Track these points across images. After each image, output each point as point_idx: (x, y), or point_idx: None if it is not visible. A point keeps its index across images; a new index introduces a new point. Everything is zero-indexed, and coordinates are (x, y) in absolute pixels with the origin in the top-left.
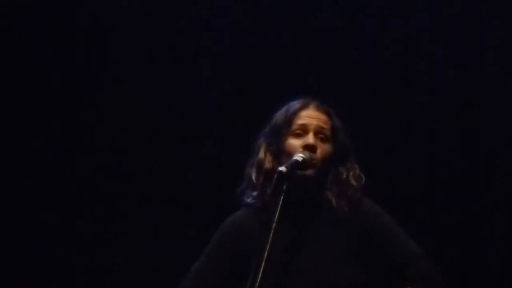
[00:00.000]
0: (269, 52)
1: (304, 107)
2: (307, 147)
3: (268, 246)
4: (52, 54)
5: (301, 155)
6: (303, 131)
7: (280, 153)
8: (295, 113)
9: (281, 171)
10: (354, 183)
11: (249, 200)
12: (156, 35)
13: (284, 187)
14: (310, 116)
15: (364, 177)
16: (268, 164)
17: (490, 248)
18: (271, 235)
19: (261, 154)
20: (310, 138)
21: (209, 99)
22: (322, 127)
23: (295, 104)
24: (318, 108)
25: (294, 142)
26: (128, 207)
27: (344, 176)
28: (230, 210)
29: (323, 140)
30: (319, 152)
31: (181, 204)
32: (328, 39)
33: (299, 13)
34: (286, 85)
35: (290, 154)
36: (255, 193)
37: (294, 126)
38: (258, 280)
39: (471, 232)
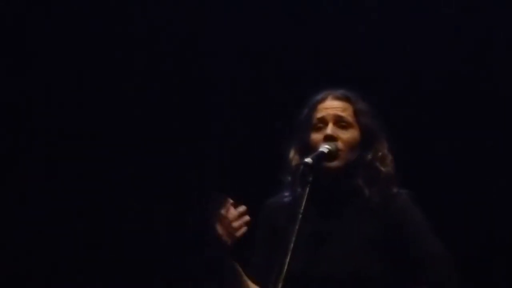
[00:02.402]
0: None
1: (322, 100)
2: (327, 138)
3: (293, 237)
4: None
5: (326, 146)
6: (323, 123)
7: (307, 150)
8: (314, 108)
9: (306, 162)
10: (382, 167)
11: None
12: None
13: (310, 178)
14: (327, 107)
15: (391, 158)
16: (295, 162)
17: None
18: (296, 226)
19: (290, 153)
20: (328, 129)
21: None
22: (340, 115)
23: (313, 99)
24: (336, 97)
25: (316, 137)
26: None
27: (371, 161)
28: None
29: (345, 127)
30: (341, 141)
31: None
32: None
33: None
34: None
35: (315, 150)
36: (287, 193)
37: (314, 121)
38: (284, 271)
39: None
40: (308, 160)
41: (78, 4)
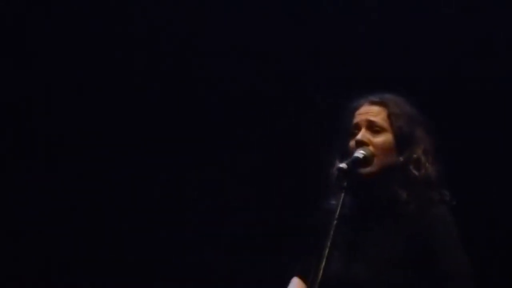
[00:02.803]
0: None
1: (358, 106)
2: (357, 144)
3: (328, 243)
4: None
5: (362, 151)
6: (358, 129)
7: (346, 157)
8: (352, 114)
9: (341, 168)
10: (416, 171)
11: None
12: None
13: (345, 184)
14: (361, 112)
15: (431, 161)
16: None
17: None
18: (331, 232)
19: (334, 160)
20: (359, 134)
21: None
22: (372, 120)
23: (352, 106)
24: (371, 102)
25: (351, 143)
26: None
27: (405, 165)
28: None
29: (377, 132)
30: (373, 146)
31: None
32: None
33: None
34: None
35: (351, 155)
36: (332, 202)
37: (351, 128)
38: (319, 276)
39: None
40: (342, 165)
41: (78, 4)
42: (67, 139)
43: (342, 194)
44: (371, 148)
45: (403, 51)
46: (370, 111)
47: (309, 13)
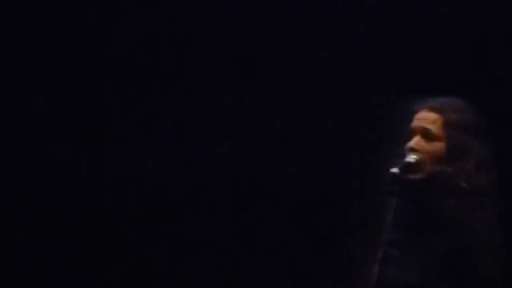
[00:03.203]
0: None
1: (417, 109)
2: (409, 150)
3: (380, 247)
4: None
5: (414, 156)
6: (413, 133)
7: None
8: (409, 117)
9: (392, 173)
10: (463, 182)
11: None
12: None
13: (395, 188)
14: (418, 118)
15: (484, 172)
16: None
17: None
18: (382, 236)
19: (391, 162)
20: (412, 141)
21: None
22: (427, 128)
23: (412, 108)
24: (430, 108)
25: (406, 146)
26: None
27: (452, 175)
28: None
29: (431, 139)
30: (425, 153)
31: None
32: None
33: None
34: None
35: (403, 159)
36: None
37: (409, 130)
38: (372, 280)
39: None
40: (394, 170)
41: (78, 4)
42: (67, 138)
43: (394, 199)
44: (422, 155)
45: (403, 51)
46: (427, 118)
47: (309, 13)
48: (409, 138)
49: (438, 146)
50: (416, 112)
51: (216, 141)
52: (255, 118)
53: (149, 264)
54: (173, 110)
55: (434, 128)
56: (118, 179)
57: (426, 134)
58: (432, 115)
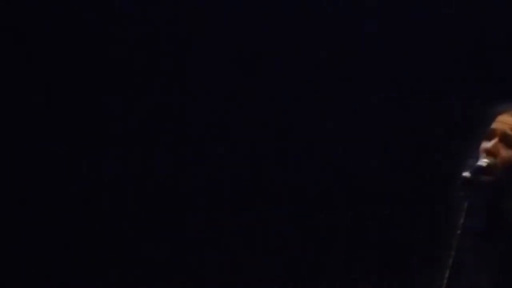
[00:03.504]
0: None
1: (501, 112)
2: (486, 152)
3: (452, 252)
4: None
5: (485, 160)
6: (492, 135)
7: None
8: (493, 117)
9: (464, 177)
10: None
11: None
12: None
13: (468, 192)
14: (501, 120)
15: None
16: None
17: None
18: (453, 240)
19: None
20: (489, 144)
21: None
22: (507, 134)
23: (498, 109)
24: None
25: (481, 146)
26: None
27: None
28: None
29: (509, 146)
30: (500, 158)
31: None
32: None
33: None
34: None
35: (478, 158)
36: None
37: (489, 130)
38: (444, 285)
39: None
40: (466, 174)
41: (78, 4)
42: (67, 138)
43: (466, 203)
44: (497, 159)
45: (403, 51)
46: (509, 122)
47: (309, 13)
48: (488, 138)
49: None
50: (499, 113)
51: (216, 141)
52: (255, 118)
53: (149, 264)
54: (173, 110)
55: None
56: (118, 179)
57: (506, 140)
58: None
